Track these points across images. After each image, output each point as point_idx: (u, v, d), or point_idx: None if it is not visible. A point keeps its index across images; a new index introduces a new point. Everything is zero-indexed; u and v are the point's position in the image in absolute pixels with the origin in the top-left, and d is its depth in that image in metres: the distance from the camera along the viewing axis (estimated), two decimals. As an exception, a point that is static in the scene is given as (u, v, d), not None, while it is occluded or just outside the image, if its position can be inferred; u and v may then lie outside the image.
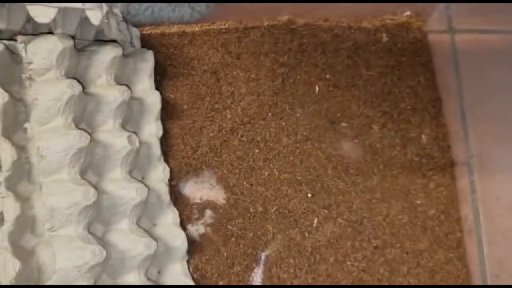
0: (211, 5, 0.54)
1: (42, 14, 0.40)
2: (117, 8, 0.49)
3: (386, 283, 0.49)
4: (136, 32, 0.51)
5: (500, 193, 0.52)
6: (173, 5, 0.53)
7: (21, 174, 0.42)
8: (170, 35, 0.54)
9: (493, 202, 0.51)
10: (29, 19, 0.43)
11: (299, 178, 0.51)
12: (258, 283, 0.48)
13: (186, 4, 0.53)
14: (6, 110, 0.41)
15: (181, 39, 0.54)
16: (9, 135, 0.42)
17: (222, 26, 0.55)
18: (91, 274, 0.39)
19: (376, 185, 0.51)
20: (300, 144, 0.52)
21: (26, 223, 0.41)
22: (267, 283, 0.49)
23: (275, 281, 0.49)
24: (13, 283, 0.37)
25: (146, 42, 0.53)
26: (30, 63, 0.44)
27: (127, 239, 0.43)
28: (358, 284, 0.49)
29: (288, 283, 0.49)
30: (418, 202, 0.52)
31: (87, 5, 0.41)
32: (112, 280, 0.43)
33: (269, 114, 0.52)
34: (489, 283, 0.50)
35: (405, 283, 0.49)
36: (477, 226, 0.51)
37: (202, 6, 0.54)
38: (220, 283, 0.48)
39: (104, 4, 0.43)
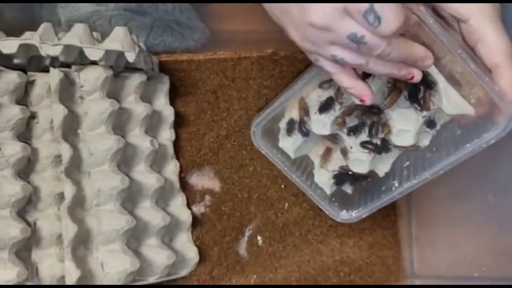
0: (208, 36, 0.61)
1: (94, 54, 0.52)
2: (141, 43, 0.60)
3: (337, 252, 0.59)
4: (155, 60, 0.59)
5: (426, 186, 0.62)
6: (180, 39, 0.61)
7: (75, 166, 0.53)
8: (181, 62, 0.61)
9: (421, 192, 0.59)
10: (79, 54, 0.54)
11: (275, 173, 0.60)
12: (243, 249, 0.59)
13: (190, 38, 0.62)
14: (65, 120, 0.52)
15: (189, 65, 0.61)
16: (66, 138, 0.53)
17: (221, 56, 0.61)
18: (125, 236, 0.52)
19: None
20: (277, 148, 0.58)
21: (78, 200, 0.53)
22: (249, 250, 0.59)
23: (255, 248, 0.59)
24: (73, 241, 0.50)
25: (163, 67, 0.60)
26: (82, 86, 0.54)
27: (149, 214, 0.55)
28: (317, 252, 0.59)
29: (265, 251, 0.59)
30: None
31: (126, 48, 0.52)
32: (137, 242, 0.55)
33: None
34: (414, 253, 0.60)
35: (351, 253, 0.60)
36: (408, 211, 0.61)
37: (202, 39, 0.61)
38: (215, 249, 0.58)
39: (136, 46, 0.54)
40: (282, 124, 0.56)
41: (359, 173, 0.52)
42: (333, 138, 0.55)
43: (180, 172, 0.60)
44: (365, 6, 0.35)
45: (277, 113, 0.54)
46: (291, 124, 0.55)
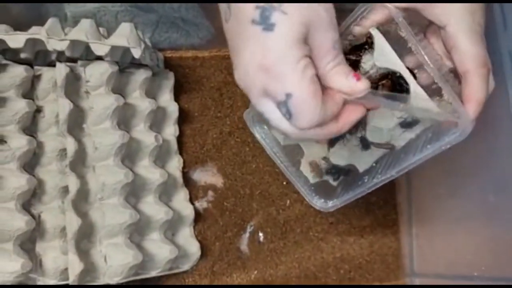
0: (213, 33, 0.62)
1: (100, 49, 0.52)
2: (147, 39, 0.61)
3: (338, 250, 0.60)
4: (160, 56, 0.60)
5: (427, 184, 0.62)
6: (185, 36, 0.62)
7: (79, 160, 0.54)
8: (186, 59, 0.61)
9: (422, 191, 0.62)
10: (86, 49, 0.54)
11: (277, 170, 0.60)
12: (244, 245, 0.60)
13: (195, 35, 0.62)
14: (71, 114, 0.53)
15: (194, 62, 0.61)
16: (72, 132, 0.53)
17: (226, 53, 0.61)
18: (128, 230, 0.53)
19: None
20: (280, 145, 0.59)
21: (83, 194, 0.53)
22: (251, 246, 0.60)
23: (256, 244, 0.60)
24: (76, 234, 0.50)
25: (168, 64, 0.60)
26: (88, 81, 0.55)
27: (152, 208, 0.55)
28: (317, 249, 0.60)
29: (266, 247, 0.60)
30: None
31: (131, 44, 0.53)
32: (140, 236, 0.55)
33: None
34: (414, 251, 0.60)
35: (351, 250, 0.60)
36: (409, 210, 0.61)
37: (207, 36, 0.62)
38: (217, 244, 0.59)
39: (142, 42, 0.55)
40: None
41: (338, 165, 0.52)
42: None
43: (184, 167, 0.60)
44: (280, 97, 0.34)
45: None
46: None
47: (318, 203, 0.50)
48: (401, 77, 0.44)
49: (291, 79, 0.33)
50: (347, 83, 0.35)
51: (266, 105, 0.36)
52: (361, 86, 0.36)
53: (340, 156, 0.52)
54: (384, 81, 0.46)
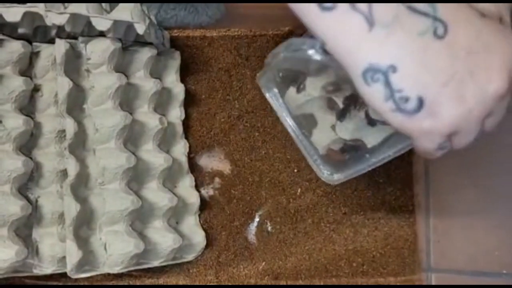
0: (223, 12, 0.59)
1: (102, 24, 0.50)
2: (152, 15, 0.58)
3: (350, 242, 0.58)
4: (166, 35, 0.57)
5: (447, 175, 0.59)
6: (193, 13, 0.59)
7: (79, 142, 0.52)
8: (194, 38, 0.59)
9: (440, 181, 0.59)
10: (87, 24, 0.51)
11: (288, 157, 0.59)
12: (252, 235, 0.58)
13: (204, 13, 0.59)
14: (70, 93, 0.51)
15: (202, 42, 0.59)
16: (71, 112, 0.51)
17: (236, 33, 0.59)
18: (129, 217, 0.51)
19: (348, 165, 0.59)
20: (291, 131, 0.59)
21: (82, 178, 0.51)
22: (259, 235, 0.58)
23: (265, 234, 0.58)
24: (75, 220, 0.48)
25: (174, 43, 0.58)
26: (89, 59, 0.53)
27: (156, 194, 0.53)
28: (329, 240, 0.58)
29: (275, 237, 0.58)
30: (381, 180, 0.59)
31: (135, 19, 0.51)
32: (142, 224, 0.53)
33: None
34: (432, 245, 0.58)
35: (365, 242, 0.58)
36: (427, 201, 0.59)
37: (217, 14, 0.59)
38: (223, 233, 0.57)
39: (146, 18, 0.53)
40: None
41: (344, 139, 0.51)
42: (329, 101, 0.53)
43: (189, 152, 0.58)
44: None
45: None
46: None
47: (324, 174, 0.48)
48: None
49: None
50: None
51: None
52: None
53: (345, 130, 0.50)
54: None
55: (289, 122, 0.48)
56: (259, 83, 0.47)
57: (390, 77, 0.32)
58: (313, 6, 0.31)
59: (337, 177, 0.47)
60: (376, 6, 0.31)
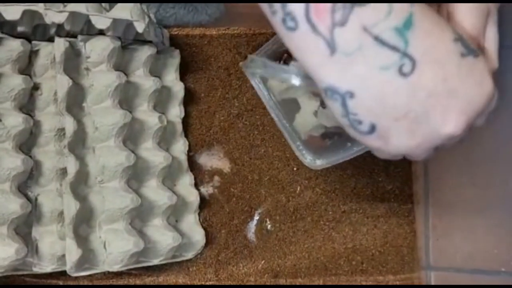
0: (222, 11, 0.59)
1: (101, 22, 0.50)
2: (152, 14, 0.58)
3: (350, 240, 0.58)
4: (166, 33, 0.57)
5: (446, 173, 0.59)
6: (192, 12, 0.59)
7: (79, 140, 0.52)
8: (193, 36, 0.59)
9: (440, 180, 0.59)
10: (86, 22, 0.52)
11: (288, 155, 0.58)
12: (252, 233, 0.58)
13: (203, 12, 0.59)
14: (70, 92, 0.51)
15: (201, 40, 0.59)
16: (71, 111, 0.51)
17: (235, 31, 0.59)
18: (129, 215, 0.50)
19: (347, 164, 0.53)
20: (291, 129, 0.58)
21: (82, 177, 0.51)
22: (258, 234, 0.57)
23: (264, 232, 0.57)
24: (75, 218, 0.48)
25: (174, 41, 0.58)
26: (88, 57, 0.53)
27: (155, 193, 0.53)
28: (328, 239, 0.58)
29: (274, 236, 0.57)
30: (380, 179, 0.58)
31: (135, 17, 0.51)
32: (142, 222, 0.53)
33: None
34: (431, 243, 0.58)
35: (364, 241, 0.57)
36: (426, 199, 0.58)
37: (216, 13, 0.59)
38: (223, 232, 0.57)
39: (146, 16, 0.53)
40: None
41: (325, 125, 0.49)
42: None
43: (189, 151, 0.58)
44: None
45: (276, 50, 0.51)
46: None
47: (307, 159, 0.47)
48: None
49: None
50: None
51: None
52: None
53: (326, 117, 0.49)
54: None
55: (272, 108, 0.48)
56: (243, 69, 0.47)
57: (346, 101, 0.32)
58: (279, 24, 0.31)
59: (320, 163, 0.47)
60: (339, 32, 0.30)
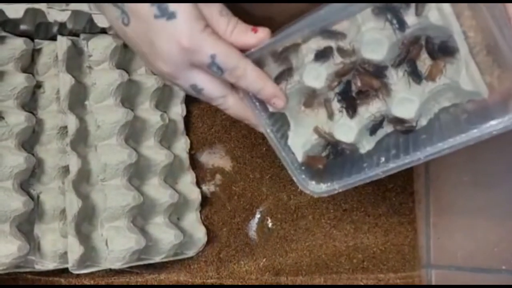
0: None
1: (103, 21, 0.50)
2: None
3: (351, 238, 0.58)
4: None
5: (447, 171, 0.59)
6: None
7: (81, 138, 0.52)
8: None
9: (441, 178, 0.58)
10: (89, 21, 0.52)
11: None
12: (253, 231, 0.58)
13: None
14: (72, 90, 0.51)
15: None
16: (73, 109, 0.52)
17: None
18: (131, 213, 0.51)
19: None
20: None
21: (84, 174, 0.51)
22: (259, 232, 0.58)
23: (265, 231, 0.58)
24: (77, 216, 0.49)
25: None
26: (90, 55, 0.53)
27: (157, 191, 0.53)
28: (329, 237, 0.58)
29: (275, 234, 0.57)
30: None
31: None
32: (144, 220, 0.53)
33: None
34: (432, 241, 0.58)
35: (365, 239, 0.57)
36: (427, 198, 0.59)
37: None
38: (224, 229, 0.57)
39: None
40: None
41: (341, 141, 0.45)
42: (310, 97, 0.47)
43: (191, 149, 0.58)
44: (207, 60, 0.37)
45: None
46: (282, 74, 0.46)
47: (311, 186, 0.43)
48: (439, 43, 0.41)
49: (209, 44, 0.37)
50: (250, 36, 0.39)
51: (198, 75, 0.39)
52: (261, 34, 0.39)
53: (347, 129, 0.44)
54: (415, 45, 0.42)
55: (266, 124, 0.43)
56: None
57: None
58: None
59: (328, 188, 0.42)
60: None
